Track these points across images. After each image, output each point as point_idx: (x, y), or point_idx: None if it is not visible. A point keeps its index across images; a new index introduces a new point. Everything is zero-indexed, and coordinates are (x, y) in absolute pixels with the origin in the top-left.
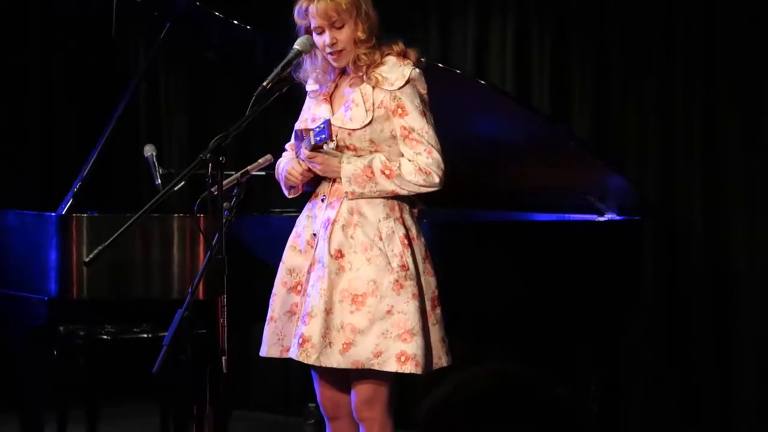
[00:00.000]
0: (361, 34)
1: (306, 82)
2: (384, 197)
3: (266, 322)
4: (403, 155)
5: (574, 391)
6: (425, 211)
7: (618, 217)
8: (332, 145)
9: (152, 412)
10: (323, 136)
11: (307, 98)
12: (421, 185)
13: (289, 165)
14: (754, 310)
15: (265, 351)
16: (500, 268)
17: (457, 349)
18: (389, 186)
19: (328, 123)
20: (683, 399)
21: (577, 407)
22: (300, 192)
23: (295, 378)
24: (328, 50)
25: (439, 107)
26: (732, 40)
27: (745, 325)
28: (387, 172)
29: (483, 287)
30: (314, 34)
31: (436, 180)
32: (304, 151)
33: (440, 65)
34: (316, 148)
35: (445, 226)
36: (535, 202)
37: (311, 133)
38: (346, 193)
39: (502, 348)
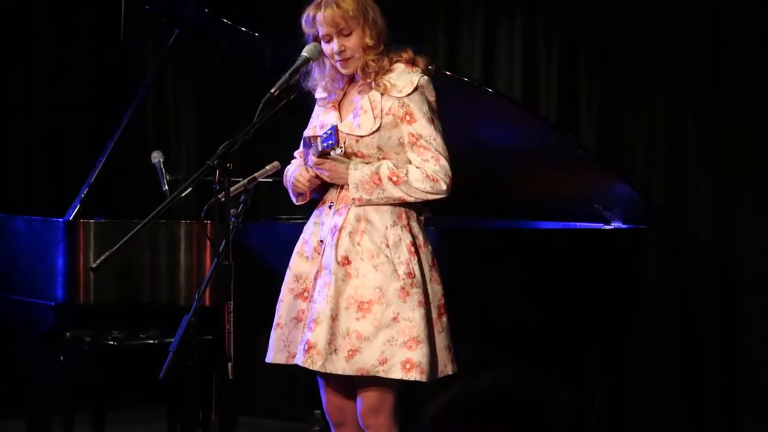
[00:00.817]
0: (369, 41)
1: (314, 90)
2: (391, 204)
3: (273, 329)
4: (410, 162)
5: (580, 398)
6: (432, 219)
7: (624, 226)
8: (339, 151)
9: (158, 417)
10: (330, 142)
11: (316, 106)
12: (428, 192)
13: (296, 172)
14: (762, 318)
15: (271, 357)
16: (507, 276)
17: (464, 357)
18: (396, 193)
19: (335, 129)
20: (690, 406)
21: (582, 413)
22: (308, 199)
23: (300, 384)
24: (337, 57)
25: (448, 115)
26: (740, 45)
27: (753, 333)
28: (394, 178)
29: (490, 295)
30: (322, 42)
31: (444, 187)
32: (312, 158)
33: (448, 73)
34: (324, 154)
35: (452, 233)
36: (542, 210)
37: (318, 139)
38: (354, 199)
39: (508, 355)
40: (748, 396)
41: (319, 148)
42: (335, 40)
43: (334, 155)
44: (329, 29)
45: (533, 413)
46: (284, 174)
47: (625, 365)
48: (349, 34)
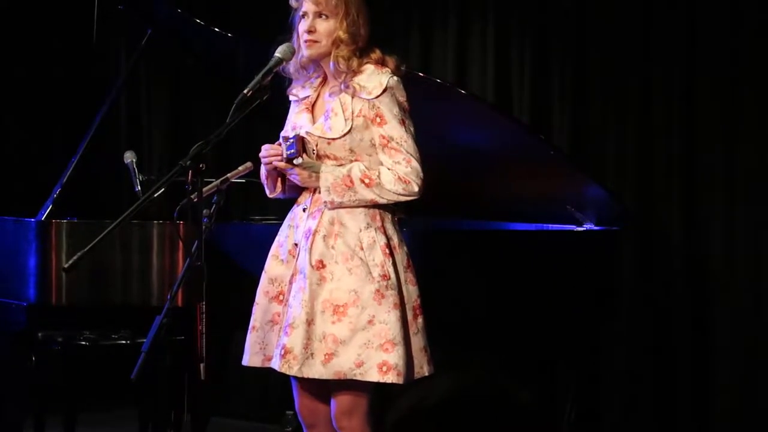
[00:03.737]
0: (342, 34)
1: (290, 75)
2: (363, 206)
3: (248, 331)
4: (382, 164)
5: (553, 399)
6: (406, 220)
7: (596, 227)
8: (300, 161)
9: (131, 418)
10: (292, 151)
11: (292, 105)
12: (400, 194)
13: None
14: (732, 319)
15: (247, 360)
16: (480, 277)
17: (437, 358)
18: (369, 195)
19: (296, 138)
20: (662, 406)
21: (555, 414)
22: (279, 191)
23: (273, 385)
24: (305, 36)
25: (420, 116)
26: (711, 48)
27: (723, 334)
28: (366, 180)
29: (464, 296)
30: (301, 20)
31: (416, 189)
32: (279, 164)
33: (421, 74)
34: (289, 161)
35: (426, 234)
36: (515, 212)
37: (284, 146)
38: (325, 202)
39: (482, 357)
40: (719, 396)
41: (284, 155)
42: (310, 18)
43: (297, 163)
44: (309, 6)
45: (506, 414)
46: (261, 171)
47: (597, 366)
48: (325, 18)
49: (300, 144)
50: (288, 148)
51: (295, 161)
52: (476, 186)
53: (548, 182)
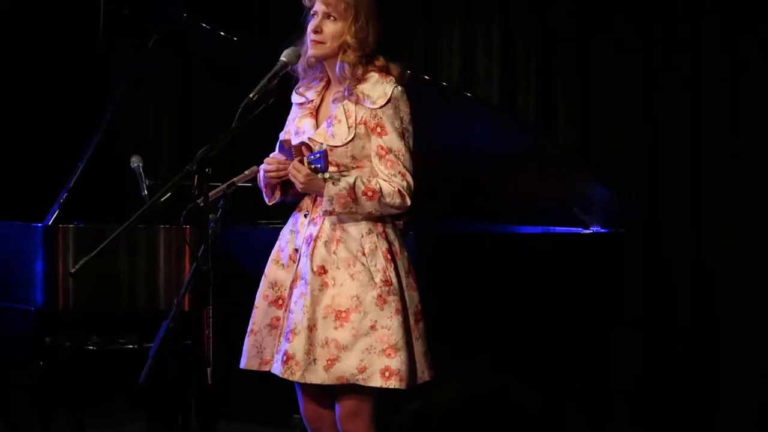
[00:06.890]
0: (349, 39)
1: (298, 74)
2: (357, 217)
3: (246, 335)
4: (376, 172)
5: (559, 403)
6: (410, 223)
7: (603, 230)
8: (328, 175)
9: (138, 422)
10: (319, 166)
11: (293, 108)
12: (395, 207)
13: (264, 166)
14: (738, 322)
15: (244, 363)
16: (485, 280)
17: (440, 363)
18: (368, 208)
19: (324, 153)
20: (668, 409)
21: (560, 418)
22: (279, 197)
23: (280, 389)
24: (312, 36)
25: (425, 119)
26: (716, 48)
27: (728, 337)
28: (369, 194)
29: (468, 299)
30: (311, 18)
31: (408, 203)
32: (294, 165)
33: (426, 77)
34: (314, 172)
35: (430, 237)
36: (521, 214)
37: (306, 159)
38: (325, 211)
39: (486, 361)
40: (726, 400)
41: (309, 166)
42: (319, 18)
43: (325, 177)
44: (319, 6)
45: (512, 419)
46: (258, 175)
47: (604, 371)
48: (333, 20)
49: (327, 159)
50: (315, 162)
51: (320, 175)
52: (482, 188)
53: (554, 184)
